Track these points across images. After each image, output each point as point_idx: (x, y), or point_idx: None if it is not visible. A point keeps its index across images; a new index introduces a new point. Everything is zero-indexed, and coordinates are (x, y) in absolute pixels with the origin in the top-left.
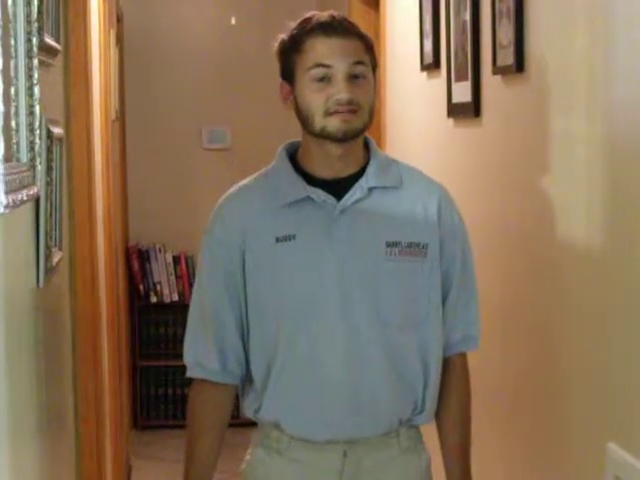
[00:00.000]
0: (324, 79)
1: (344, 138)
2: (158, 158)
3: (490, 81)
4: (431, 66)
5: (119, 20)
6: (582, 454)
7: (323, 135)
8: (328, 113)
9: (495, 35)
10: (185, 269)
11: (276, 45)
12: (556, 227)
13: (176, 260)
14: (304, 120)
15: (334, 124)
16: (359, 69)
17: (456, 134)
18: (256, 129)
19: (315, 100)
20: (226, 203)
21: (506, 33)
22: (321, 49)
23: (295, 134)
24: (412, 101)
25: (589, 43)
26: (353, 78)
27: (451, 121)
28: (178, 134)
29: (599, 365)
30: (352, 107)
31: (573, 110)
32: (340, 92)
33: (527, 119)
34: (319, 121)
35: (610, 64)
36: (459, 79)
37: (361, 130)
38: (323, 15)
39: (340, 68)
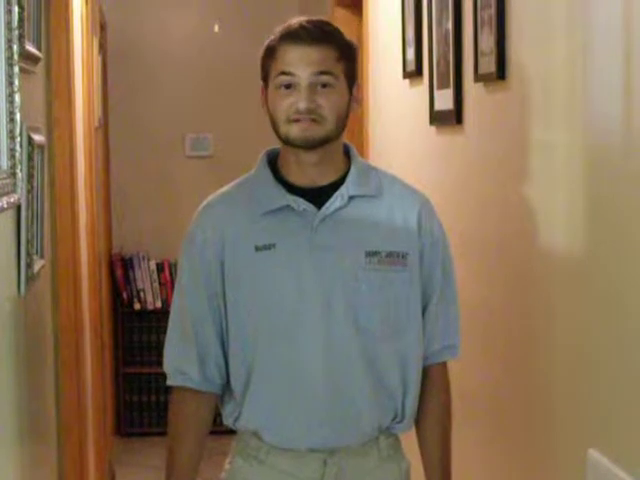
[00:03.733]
0: (290, 86)
1: (305, 146)
2: (141, 165)
3: (472, 89)
4: (413, 74)
5: (102, 28)
6: (563, 460)
7: (287, 142)
8: (289, 120)
9: (477, 43)
10: (168, 276)
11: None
12: (536, 235)
13: (159, 267)
14: (273, 126)
15: (294, 132)
16: (324, 79)
17: (438, 141)
18: (239, 137)
19: (280, 107)
20: (206, 211)
21: (488, 41)
22: (287, 57)
23: (277, 141)
24: (394, 108)
25: (569, 51)
26: (318, 87)
27: (433, 128)
28: (161, 141)
29: (580, 371)
30: (312, 116)
31: (554, 118)
32: (300, 101)
33: (508, 126)
34: (283, 128)
35: (590, 72)
36: (441, 87)
37: (324, 139)
38: (297, 22)
39: (303, 77)
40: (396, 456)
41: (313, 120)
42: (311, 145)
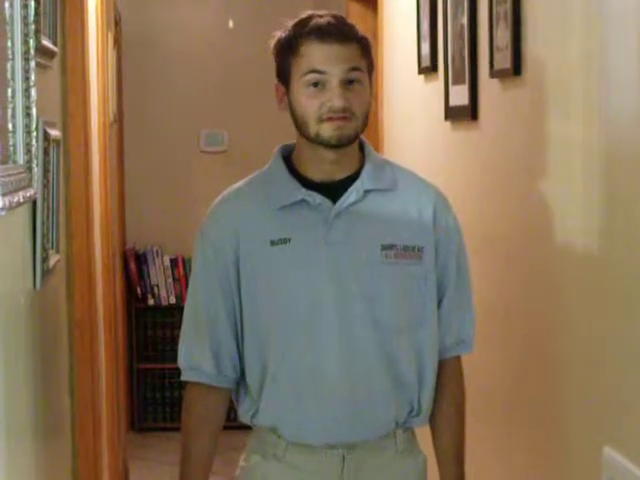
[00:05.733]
0: (318, 84)
1: (337, 145)
2: (155, 160)
3: (487, 84)
4: (429, 69)
5: (117, 23)
6: (578, 458)
7: (317, 141)
8: (322, 119)
9: (492, 38)
10: (182, 272)
11: (272, 43)
12: (553, 231)
13: (173, 262)
14: (299, 124)
15: (327, 131)
16: (354, 75)
17: (453, 137)
18: (253, 132)
19: (309, 106)
20: (220, 206)
21: (503, 36)
22: (316, 55)
23: (292, 137)
24: (410, 104)
25: (586, 46)
26: (348, 84)
27: (448, 124)
28: (175, 137)
29: (595, 369)
30: (345, 114)
31: (570, 113)
32: (334, 99)
33: (524, 122)
34: (313, 127)
35: (606, 67)
36: (456, 82)
37: (354, 137)
38: (321, 18)
39: (335, 74)
40: (413, 450)
41: (345, 118)
42: (343, 143)
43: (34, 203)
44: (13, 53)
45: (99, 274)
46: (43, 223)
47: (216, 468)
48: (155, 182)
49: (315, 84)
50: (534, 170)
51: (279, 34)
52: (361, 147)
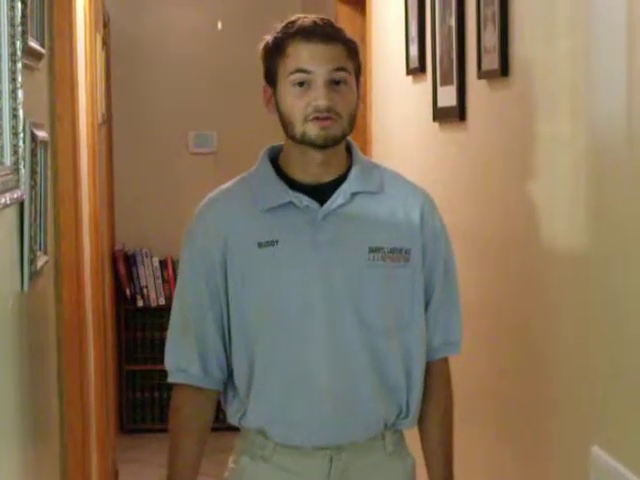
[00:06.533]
0: (304, 84)
1: (323, 145)
2: (145, 162)
3: (475, 85)
4: (417, 70)
5: (105, 24)
6: (566, 458)
7: (304, 141)
8: (307, 119)
9: (480, 40)
10: (172, 273)
11: (260, 47)
12: (540, 231)
13: (163, 264)
14: (285, 125)
15: (313, 131)
16: (340, 75)
17: (441, 138)
18: (242, 133)
19: (295, 105)
20: (207, 207)
21: (491, 38)
22: (302, 54)
23: (281, 139)
24: (398, 105)
25: (573, 47)
26: (333, 84)
27: (436, 125)
28: (165, 138)
29: (583, 369)
30: (330, 114)
31: (557, 114)
32: (319, 98)
33: (512, 123)
34: (299, 127)
35: (593, 69)
36: (444, 83)
37: (340, 138)
38: (307, 19)
39: (320, 74)
40: (401, 453)
41: (330, 119)
42: (329, 144)
43: (21, 204)
44: None
45: (88, 275)
46: (30, 225)
47: (204, 469)
48: (144, 183)
49: (301, 84)
50: (522, 170)
51: (267, 37)
52: (348, 149)
